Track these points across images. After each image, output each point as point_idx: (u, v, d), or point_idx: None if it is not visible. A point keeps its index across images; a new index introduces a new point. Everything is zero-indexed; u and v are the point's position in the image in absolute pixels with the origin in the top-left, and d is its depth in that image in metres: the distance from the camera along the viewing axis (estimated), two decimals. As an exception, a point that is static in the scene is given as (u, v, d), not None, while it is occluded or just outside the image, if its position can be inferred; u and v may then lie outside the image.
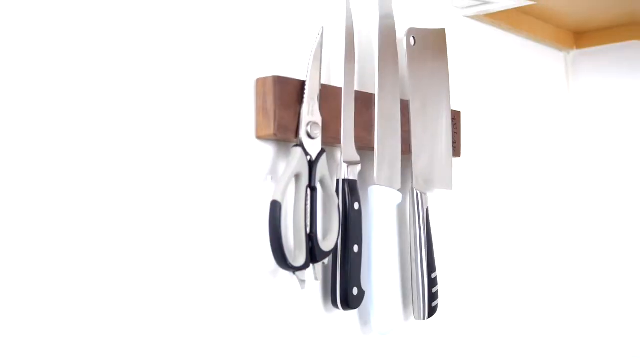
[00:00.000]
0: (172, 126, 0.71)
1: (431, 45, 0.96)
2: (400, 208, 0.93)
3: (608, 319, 1.28)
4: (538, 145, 1.24)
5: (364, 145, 0.86)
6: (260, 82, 0.77)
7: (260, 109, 0.77)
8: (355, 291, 0.82)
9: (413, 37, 0.94)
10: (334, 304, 0.82)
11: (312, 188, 0.77)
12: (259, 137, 0.77)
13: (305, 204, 0.77)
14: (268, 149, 0.78)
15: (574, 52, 1.31)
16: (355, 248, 0.82)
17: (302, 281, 0.76)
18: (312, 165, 0.78)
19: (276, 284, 0.79)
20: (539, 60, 1.25)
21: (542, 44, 1.25)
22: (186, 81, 0.72)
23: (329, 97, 0.81)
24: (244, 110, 0.77)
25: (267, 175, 0.78)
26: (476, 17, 1.09)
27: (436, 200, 1.00)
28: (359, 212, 0.83)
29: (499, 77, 1.16)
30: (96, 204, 0.65)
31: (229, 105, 0.76)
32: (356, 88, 0.89)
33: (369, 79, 0.89)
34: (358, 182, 0.87)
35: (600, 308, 1.29)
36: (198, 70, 0.73)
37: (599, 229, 1.29)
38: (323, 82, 0.83)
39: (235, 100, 0.76)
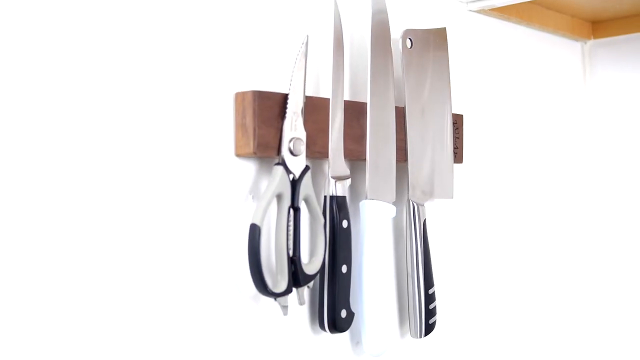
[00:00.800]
0: (143, 143, 0.67)
1: (430, 46, 0.91)
2: (397, 220, 0.89)
3: (617, 343, 1.23)
4: (550, 146, 1.17)
5: (355, 158, 0.81)
6: (239, 97, 0.73)
7: (239, 126, 0.72)
8: (343, 313, 0.78)
9: (410, 39, 0.88)
10: (322, 326, 0.78)
11: (295, 208, 0.73)
12: (238, 155, 0.73)
13: (288, 226, 0.73)
14: (249, 167, 0.74)
15: (591, 43, 1.24)
16: (344, 268, 0.78)
17: (285, 307, 0.72)
18: (295, 184, 0.73)
19: (260, 307, 0.75)
20: (552, 53, 1.18)
21: (556, 34, 1.18)
22: (160, 93, 0.68)
23: (316, 109, 0.77)
24: (222, 126, 0.72)
25: (248, 195, 0.74)
26: (482, 11, 1.03)
27: (437, 210, 0.95)
28: (348, 230, 0.79)
29: (508, 73, 1.10)
30: (73, 225, 0.61)
31: (206, 121, 0.71)
32: (348, 97, 0.84)
33: (362, 87, 0.84)
34: (349, 196, 0.83)
35: (609, 327, 1.23)
36: (174, 82, 0.69)
37: (618, 242, 1.22)
38: (310, 93, 0.79)
39: (213, 115, 0.72)
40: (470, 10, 1.02)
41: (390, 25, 0.87)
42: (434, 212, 0.95)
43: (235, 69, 0.74)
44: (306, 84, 0.75)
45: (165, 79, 0.68)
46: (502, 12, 1.05)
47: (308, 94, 0.78)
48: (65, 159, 0.61)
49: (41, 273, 0.60)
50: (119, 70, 0.65)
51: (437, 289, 0.90)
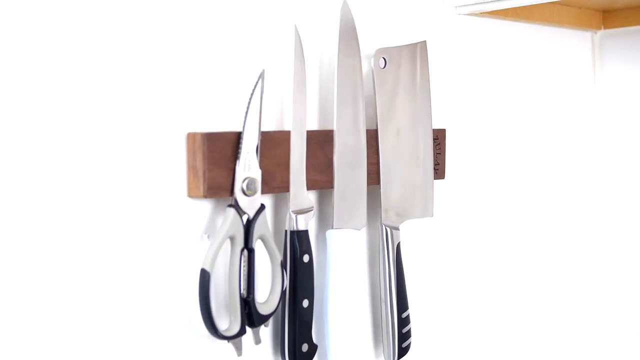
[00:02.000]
0: (95, 181, 0.67)
1: (408, 62, 0.87)
2: (372, 243, 0.88)
3: None
4: (555, 150, 1.12)
5: (320, 188, 0.80)
6: (191, 138, 0.71)
7: (191, 167, 0.71)
8: (305, 347, 0.78)
9: (384, 58, 0.85)
10: (283, 359, 0.78)
11: (250, 250, 0.72)
12: (190, 197, 0.72)
13: (240, 268, 0.72)
14: (204, 206, 0.73)
15: (601, 33, 1.18)
16: (305, 303, 0.77)
17: (239, 348, 0.73)
18: (250, 224, 0.72)
19: (218, 344, 0.75)
20: (557, 46, 1.13)
21: (562, 27, 1.12)
22: (112, 130, 0.67)
23: (275, 144, 0.75)
24: (176, 166, 0.72)
25: (203, 234, 0.74)
26: (473, 14, 0.99)
27: (417, 229, 0.93)
28: (309, 264, 0.78)
29: (508, 74, 1.05)
30: (26, 266, 0.62)
31: (160, 161, 0.71)
32: (318, 125, 0.83)
33: (332, 113, 0.82)
34: (317, 225, 0.83)
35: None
36: (127, 118, 0.68)
37: (630, 266, 1.17)
38: (273, 126, 0.78)
39: (167, 155, 0.71)
40: (460, 14, 0.98)
41: (375, 39, 0.87)
42: (414, 230, 0.93)
43: (190, 105, 0.72)
44: (262, 119, 0.73)
45: (119, 115, 0.68)
46: (497, 14, 1.00)
47: (270, 127, 0.77)
48: (15, 202, 0.62)
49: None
50: (75, 109, 0.65)
51: (418, 309, 0.89)
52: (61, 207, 0.65)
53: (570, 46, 1.15)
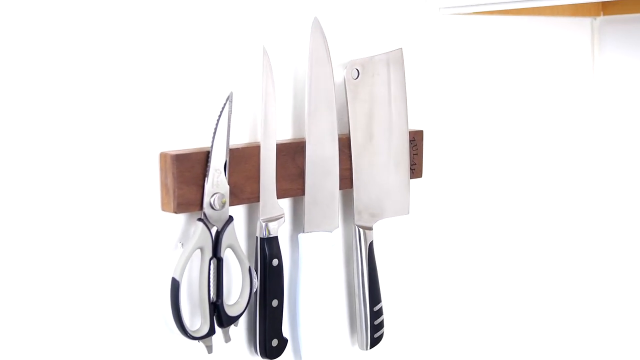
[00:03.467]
0: (79, 195, 0.74)
1: (382, 70, 0.91)
2: (348, 242, 0.94)
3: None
4: (549, 144, 1.14)
5: (291, 196, 0.86)
6: (162, 158, 0.78)
7: (163, 185, 0.78)
8: (274, 342, 0.85)
9: (357, 69, 0.89)
10: (256, 352, 0.86)
11: (218, 258, 0.79)
12: (164, 211, 0.79)
13: (210, 275, 0.79)
14: (178, 218, 0.80)
15: (601, 19, 1.18)
16: (274, 302, 0.85)
17: (209, 346, 0.81)
18: (218, 235, 0.79)
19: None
20: (553, 35, 1.13)
21: (557, 16, 1.13)
22: (95, 148, 0.75)
23: (244, 159, 0.81)
24: (151, 182, 0.78)
25: (177, 243, 0.81)
26: (459, 14, 1.01)
27: (395, 226, 0.98)
28: (278, 267, 0.84)
29: (499, 69, 1.07)
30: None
31: (137, 177, 0.78)
32: (291, 136, 0.88)
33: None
34: (292, 229, 0.90)
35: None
36: (107, 136, 0.75)
37: (624, 270, 1.18)
38: (246, 139, 0.83)
39: (143, 172, 0.78)
40: (445, 15, 1.00)
41: (357, 45, 0.91)
42: (394, 228, 0.98)
43: (167, 123, 0.79)
44: (231, 137, 0.80)
45: (100, 135, 0.75)
46: (484, 12, 1.02)
47: (244, 140, 0.83)
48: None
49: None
50: (60, 130, 0.72)
51: (395, 302, 0.95)
52: (46, 218, 0.73)
53: (569, 33, 1.16)
